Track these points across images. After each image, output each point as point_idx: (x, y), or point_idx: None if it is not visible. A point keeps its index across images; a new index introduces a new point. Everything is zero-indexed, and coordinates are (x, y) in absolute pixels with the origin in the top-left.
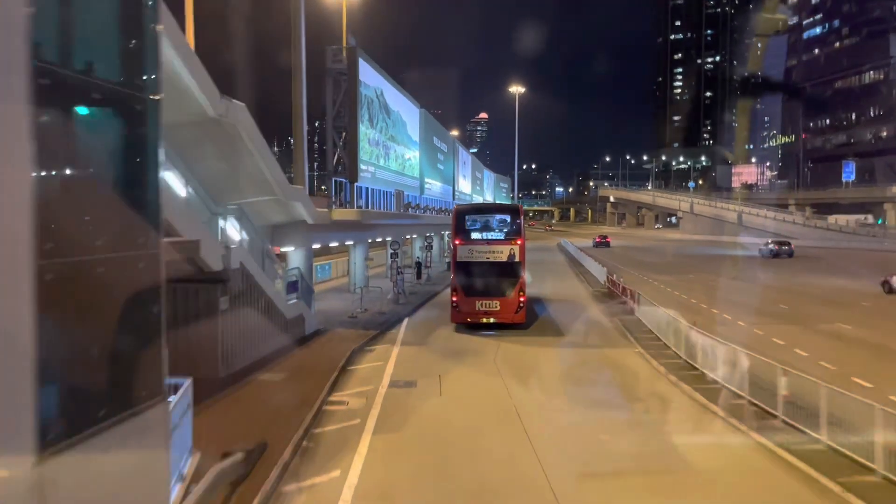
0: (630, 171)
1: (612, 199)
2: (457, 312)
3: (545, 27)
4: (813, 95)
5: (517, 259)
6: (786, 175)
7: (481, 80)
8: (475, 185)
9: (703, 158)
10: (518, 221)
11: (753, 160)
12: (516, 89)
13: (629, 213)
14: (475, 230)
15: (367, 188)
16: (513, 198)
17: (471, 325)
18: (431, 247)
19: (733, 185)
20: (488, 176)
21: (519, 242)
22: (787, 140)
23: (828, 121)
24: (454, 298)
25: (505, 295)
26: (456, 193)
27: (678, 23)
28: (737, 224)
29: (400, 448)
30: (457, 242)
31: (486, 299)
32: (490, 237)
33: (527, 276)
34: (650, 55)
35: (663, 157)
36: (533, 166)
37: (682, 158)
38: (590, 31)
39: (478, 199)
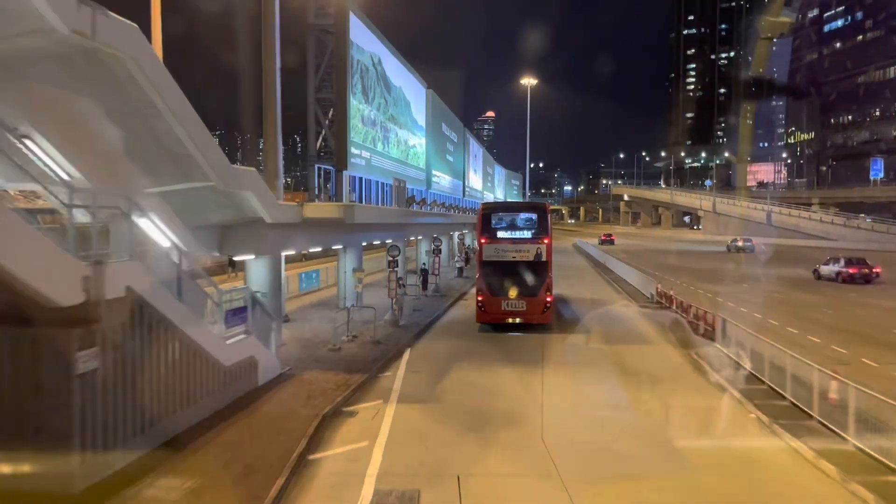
0: (641, 170)
1: (626, 197)
2: (482, 312)
3: (552, 22)
4: (833, 91)
5: (544, 258)
6: (804, 174)
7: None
8: (486, 181)
9: (715, 157)
10: (545, 220)
11: (770, 158)
12: (528, 81)
13: (644, 213)
14: (501, 229)
15: (360, 178)
16: (524, 196)
17: (498, 328)
18: (440, 250)
19: (748, 184)
20: (499, 172)
21: (546, 241)
22: (805, 137)
23: (850, 117)
24: (480, 298)
25: (532, 294)
26: (466, 190)
27: (691, 17)
28: (766, 224)
29: None
30: (483, 241)
31: (513, 299)
32: (517, 236)
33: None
34: (662, 51)
35: (677, 155)
36: (540, 165)
37: (694, 157)
38: (599, 26)
39: (489, 197)
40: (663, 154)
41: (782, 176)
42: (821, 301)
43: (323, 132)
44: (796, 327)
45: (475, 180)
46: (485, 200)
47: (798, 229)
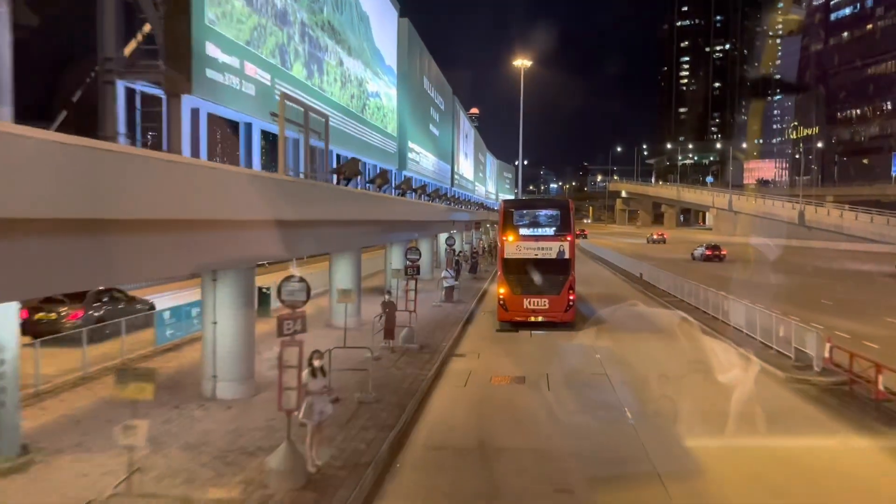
0: (638, 167)
1: (624, 194)
2: (504, 311)
3: (537, 14)
4: (841, 84)
5: (567, 256)
6: (808, 171)
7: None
8: (477, 169)
9: (713, 154)
10: (568, 216)
11: (772, 155)
12: (521, 62)
13: (643, 211)
14: (523, 226)
15: (246, 124)
16: (517, 192)
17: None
18: (418, 270)
19: (745, 182)
20: (492, 162)
21: (569, 239)
22: (808, 133)
23: (858, 111)
24: (501, 296)
25: (554, 293)
26: (456, 177)
27: (685, 8)
28: (797, 224)
29: None
30: (505, 238)
31: (535, 297)
32: (539, 233)
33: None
34: (655, 44)
35: (670, 152)
36: (525, 162)
37: (686, 153)
38: (588, 17)
39: (480, 188)
40: (655, 150)
41: (784, 173)
42: None
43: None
44: None
45: (465, 167)
46: (475, 194)
47: (840, 230)
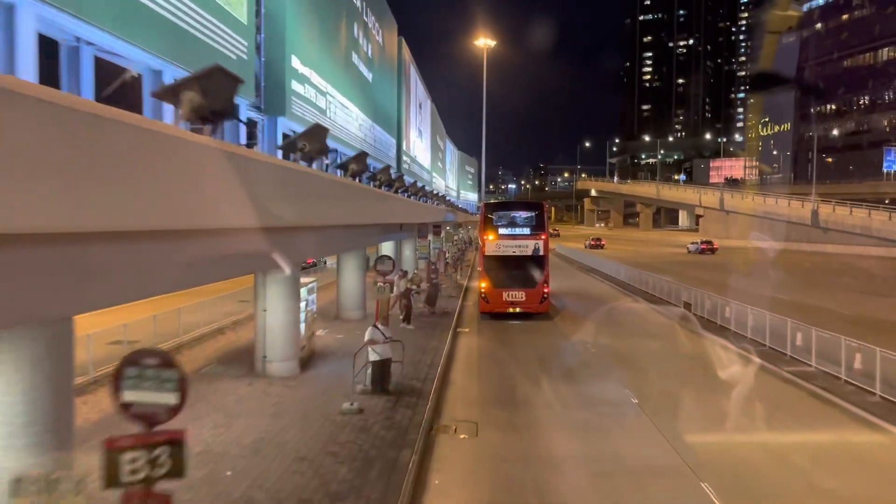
0: (594, 167)
1: (593, 192)
2: (486, 303)
3: (498, 11)
4: (814, 78)
5: (542, 252)
6: (780, 168)
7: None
8: (435, 155)
9: (676, 151)
10: (542, 217)
11: (744, 152)
12: (485, 43)
13: (615, 211)
14: (502, 225)
15: None
16: (480, 190)
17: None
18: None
19: (711, 180)
20: (452, 151)
21: (543, 237)
22: (779, 129)
23: (834, 106)
24: (483, 290)
25: (530, 286)
26: (404, 157)
27: (647, 1)
28: (809, 225)
29: None
30: (486, 237)
31: (513, 290)
32: (516, 232)
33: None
34: (617, 40)
35: (632, 149)
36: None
37: (652, 151)
38: (548, 9)
39: (438, 181)
40: (618, 148)
41: (755, 172)
42: None
43: None
44: None
45: (420, 149)
46: (433, 185)
47: (868, 232)
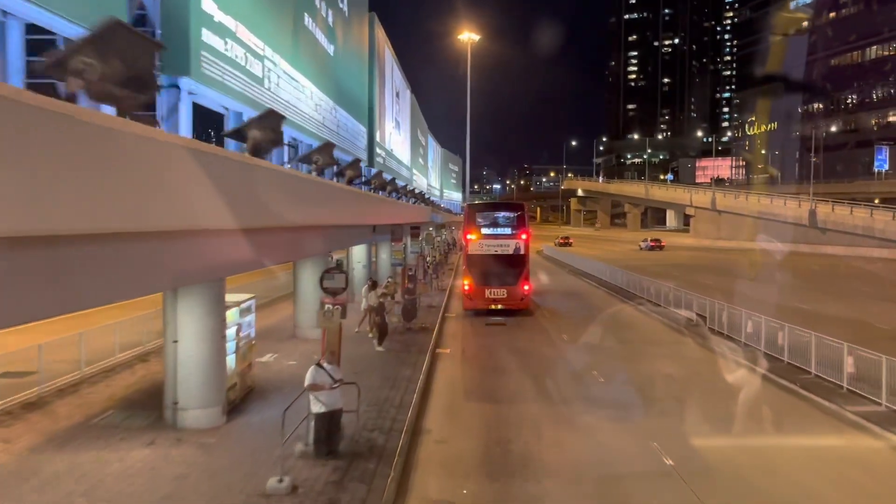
0: (580, 167)
1: (580, 192)
2: (469, 300)
3: (482, 10)
4: (804, 77)
5: (522, 252)
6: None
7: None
8: (416, 151)
9: (661, 151)
10: (523, 217)
11: (732, 152)
12: (469, 37)
13: (602, 211)
14: (485, 225)
15: None
16: (464, 190)
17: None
18: None
19: (698, 180)
20: (435, 148)
21: (524, 237)
22: (766, 128)
23: (821, 106)
24: (466, 288)
25: (512, 283)
26: (378, 149)
27: (633, 0)
28: (807, 226)
29: None
30: (469, 237)
31: (495, 288)
32: (498, 232)
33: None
34: (603, 39)
35: (618, 149)
36: (469, 162)
37: (637, 151)
38: (532, 9)
39: (419, 179)
40: (603, 148)
41: (741, 171)
42: None
43: None
44: None
45: (397, 142)
46: (414, 182)
47: (871, 233)
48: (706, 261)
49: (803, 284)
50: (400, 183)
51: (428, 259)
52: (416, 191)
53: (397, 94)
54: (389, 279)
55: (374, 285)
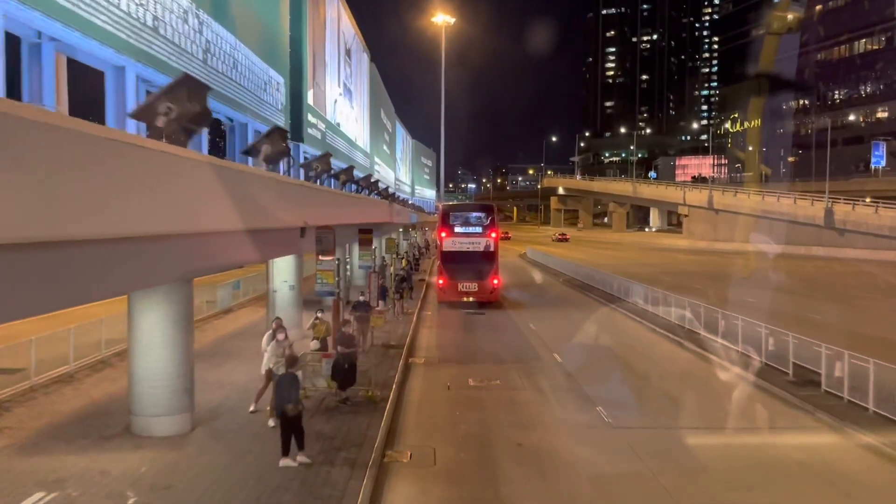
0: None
1: (561, 190)
2: (443, 293)
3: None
4: (786, 73)
5: (492, 249)
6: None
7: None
8: (379, 136)
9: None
10: (492, 217)
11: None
12: (444, 20)
13: (584, 211)
14: (457, 224)
15: None
16: (439, 188)
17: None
18: None
19: (677, 179)
20: (405, 137)
21: (493, 235)
22: (754, 125)
23: (806, 102)
24: (441, 282)
25: (482, 278)
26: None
27: None
28: (822, 226)
29: None
30: (443, 235)
31: (467, 282)
32: (470, 231)
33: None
34: (580, 32)
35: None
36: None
37: (615, 149)
38: (508, 3)
39: (386, 172)
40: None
41: (723, 169)
42: None
43: None
44: None
45: (345, 113)
46: (376, 177)
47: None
48: (714, 266)
49: (841, 295)
50: (358, 174)
51: (390, 271)
52: (379, 183)
53: (348, 53)
54: (318, 315)
55: (279, 328)
